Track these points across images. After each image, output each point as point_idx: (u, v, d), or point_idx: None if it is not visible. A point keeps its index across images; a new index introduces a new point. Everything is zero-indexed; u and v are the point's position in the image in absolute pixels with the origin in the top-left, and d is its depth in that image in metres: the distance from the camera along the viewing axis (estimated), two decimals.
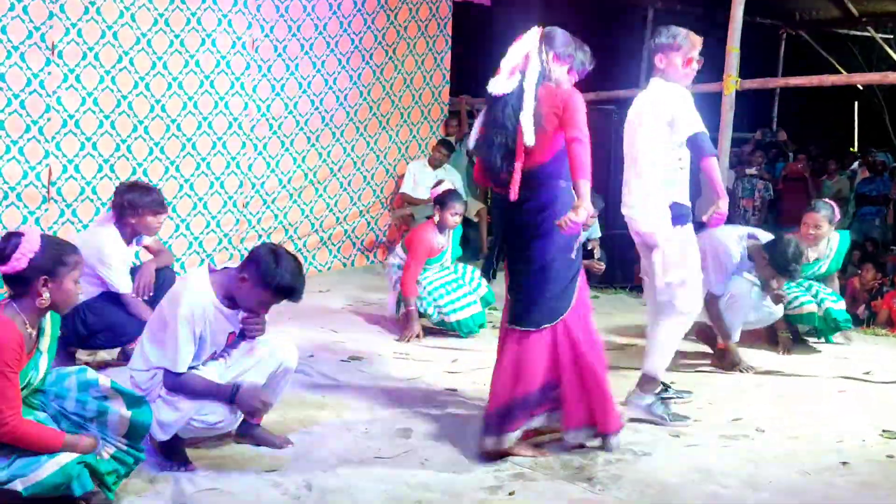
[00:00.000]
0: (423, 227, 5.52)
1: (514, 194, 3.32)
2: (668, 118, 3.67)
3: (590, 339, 3.44)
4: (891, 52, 12.96)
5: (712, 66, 4.94)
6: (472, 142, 3.58)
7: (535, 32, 3.45)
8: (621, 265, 8.83)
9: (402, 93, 7.90)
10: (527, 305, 3.42)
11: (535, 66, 3.35)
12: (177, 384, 3.19)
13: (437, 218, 5.46)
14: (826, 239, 5.24)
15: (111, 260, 4.30)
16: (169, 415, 3.19)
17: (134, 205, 4.36)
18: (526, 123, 3.27)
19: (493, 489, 3.14)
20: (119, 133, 6.31)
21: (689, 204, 3.83)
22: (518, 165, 3.31)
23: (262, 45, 6.96)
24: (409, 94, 7.98)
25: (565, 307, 3.39)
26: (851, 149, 15.89)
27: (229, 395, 3.23)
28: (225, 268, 3.34)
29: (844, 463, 3.38)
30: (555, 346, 3.39)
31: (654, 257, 3.80)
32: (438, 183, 5.94)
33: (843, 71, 12.41)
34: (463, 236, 8.11)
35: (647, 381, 3.86)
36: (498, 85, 3.39)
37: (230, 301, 3.24)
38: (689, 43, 3.75)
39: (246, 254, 3.42)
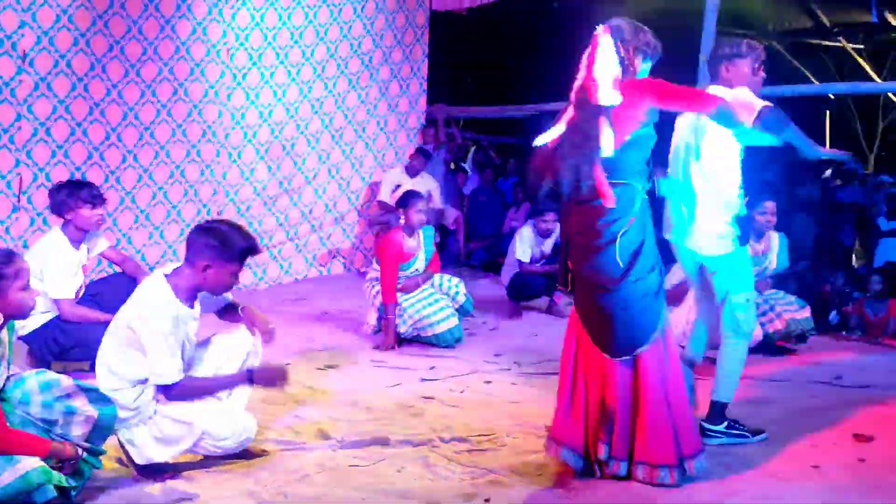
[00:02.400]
0: (391, 233, 5.51)
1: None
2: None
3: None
4: (861, 62, 13.18)
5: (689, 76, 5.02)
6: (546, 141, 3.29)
7: (604, 32, 3.22)
8: None
9: (377, 102, 7.91)
10: None
11: (615, 69, 3.16)
12: (182, 392, 3.15)
13: (402, 220, 5.46)
14: (769, 234, 5.35)
15: (50, 270, 4.24)
16: (177, 430, 3.15)
17: (67, 201, 4.31)
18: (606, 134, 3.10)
19: (469, 496, 3.14)
20: (91, 141, 6.25)
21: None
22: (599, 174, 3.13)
23: (237, 54, 6.93)
24: (386, 102, 7.98)
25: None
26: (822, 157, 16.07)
27: (247, 378, 3.29)
28: (174, 269, 3.25)
29: (816, 467, 3.42)
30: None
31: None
32: (397, 188, 5.94)
33: (815, 81, 12.60)
34: (441, 244, 8.16)
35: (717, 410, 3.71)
36: (606, 97, 3.12)
37: (191, 299, 3.22)
38: (754, 51, 3.68)
39: None
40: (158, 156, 6.61)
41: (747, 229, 3.71)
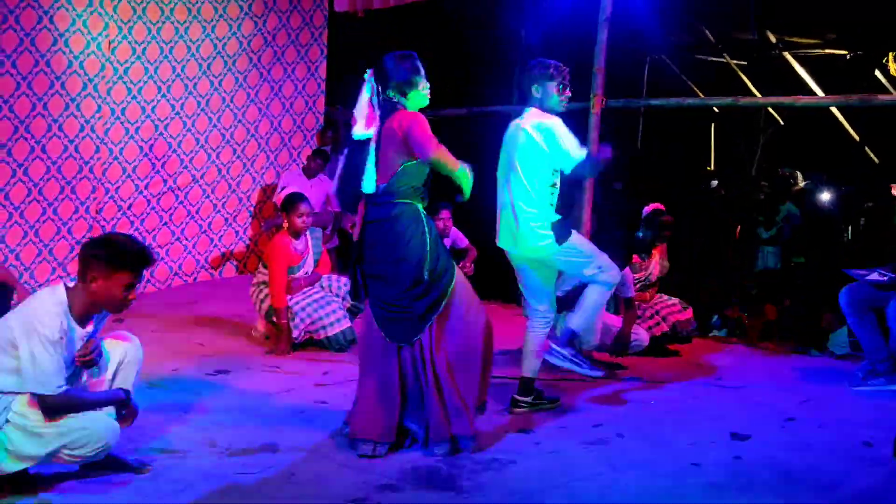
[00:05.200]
0: (277, 237, 5.40)
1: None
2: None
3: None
4: (743, 77, 13.80)
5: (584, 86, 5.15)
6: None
7: (369, 79, 3.63)
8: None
9: (269, 101, 7.74)
10: None
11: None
12: (59, 405, 2.99)
13: (286, 224, 5.36)
14: None
15: None
16: (30, 446, 2.98)
17: None
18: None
19: (360, 501, 3.10)
20: None
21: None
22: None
23: (119, 47, 6.66)
24: (279, 102, 7.83)
25: None
26: (708, 167, 16.79)
27: (124, 398, 3.16)
28: (72, 286, 3.11)
29: (696, 465, 3.53)
30: None
31: None
32: (282, 190, 5.82)
33: (700, 94, 13.12)
34: (339, 248, 8.05)
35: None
36: (358, 132, 3.61)
37: (83, 318, 3.09)
38: (560, 73, 4.06)
39: None
40: (34, 151, 6.28)
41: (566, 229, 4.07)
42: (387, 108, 3.59)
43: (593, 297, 4.12)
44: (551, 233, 3.97)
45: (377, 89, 3.61)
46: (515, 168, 4.01)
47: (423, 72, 3.66)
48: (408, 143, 3.51)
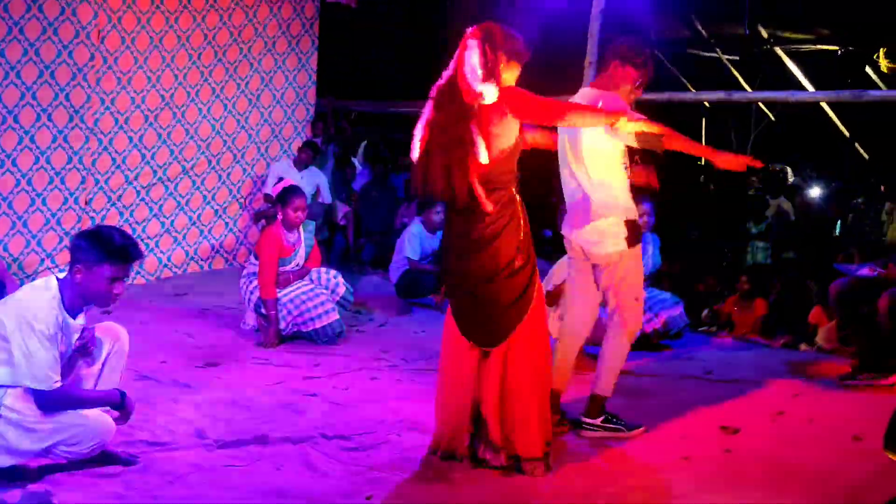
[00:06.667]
0: (269, 228, 5.37)
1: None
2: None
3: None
4: (735, 72, 13.81)
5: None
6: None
7: (473, 35, 3.24)
8: None
9: (260, 92, 7.70)
10: None
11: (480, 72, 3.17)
12: (55, 401, 2.97)
13: (280, 216, 5.34)
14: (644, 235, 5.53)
15: None
16: (24, 442, 2.96)
17: None
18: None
19: (349, 494, 3.09)
20: None
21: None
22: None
23: (109, 37, 6.60)
24: (270, 93, 7.79)
25: None
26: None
27: (119, 400, 3.13)
28: (63, 278, 3.09)
29: (686, 458, 3.54)
30: None
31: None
32: (277, 182, 5.79)
33: (692, 89, 13.13)
34: (329, 240, 8.03)
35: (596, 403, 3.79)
36: (478, 96, 3.17)
37: (74, 311, 3.07)
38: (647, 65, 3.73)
39: None
40: (22, 141, 6.22)
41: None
42: None
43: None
44: None
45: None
46: None
47: None
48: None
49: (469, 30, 3.26)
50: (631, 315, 3.76)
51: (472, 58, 3.19)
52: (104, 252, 2.99)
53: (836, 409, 4.23)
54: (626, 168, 3.71)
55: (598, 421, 3.76)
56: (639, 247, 3.75)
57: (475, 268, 3.26)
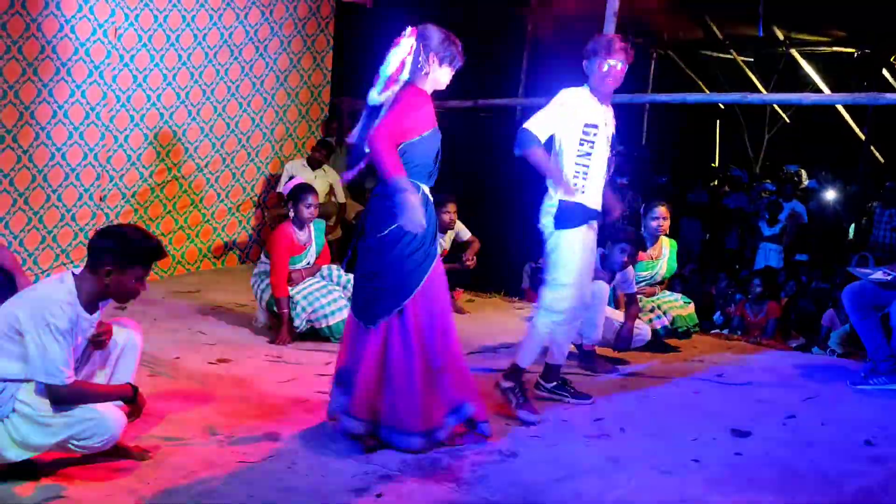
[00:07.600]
0: (281, 226, 5.40)
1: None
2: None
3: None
4: (750, 73, 13.76)
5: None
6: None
7: (409, 35, 3.47)
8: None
9: (275, 91, 7.73)
10: None
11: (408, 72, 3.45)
12: (68, 396, 3.00)
13: (292, 214, 5.37)
14: (661, 239, 5.53)
15: None
16: (37, 436, 2.98)
17: None
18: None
19: (360, 491, 3.11)
20: None
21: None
22: None
23: (126, 34, 6.65)
24: (285, 92, 7.81)
25: None
26: (713, 164, 16.76)
27: (132, 395, 3.16)
28: (79, 273, 3.13)
29: (696, 461, 3.53)
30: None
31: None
32: (289, 180, 5.80)
33: (706, 90, 13.09)
34: (343, 239, 8.04)
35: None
36: (373, 97, 3.49)
37: (90, 306, 3.11)
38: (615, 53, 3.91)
39: None
40: (39, 137, 6.27)
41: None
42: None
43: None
44: None
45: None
46: None
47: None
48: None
49: (408, 28, 3.48)
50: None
51: (400, 54, 3.44)
52: (136, 254, 3.08)
53: (849, 414, 4.22)
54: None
55: (550, 385, 4.21)
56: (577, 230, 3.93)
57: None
